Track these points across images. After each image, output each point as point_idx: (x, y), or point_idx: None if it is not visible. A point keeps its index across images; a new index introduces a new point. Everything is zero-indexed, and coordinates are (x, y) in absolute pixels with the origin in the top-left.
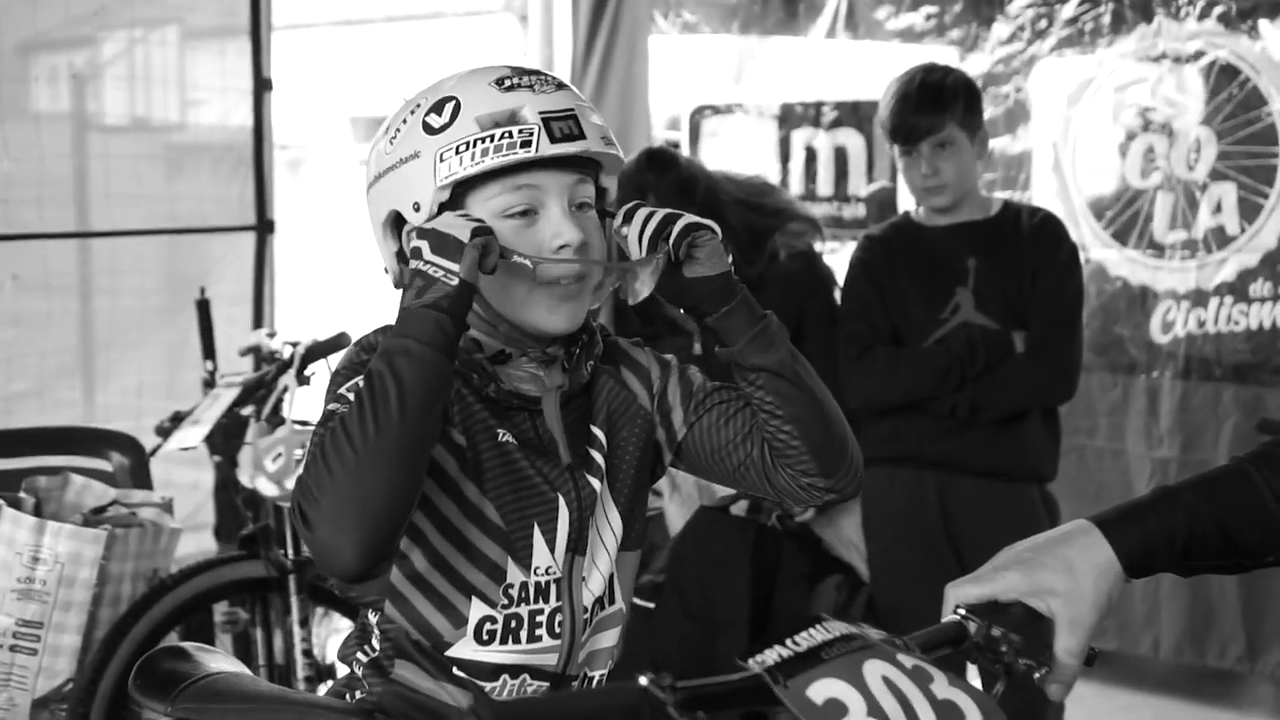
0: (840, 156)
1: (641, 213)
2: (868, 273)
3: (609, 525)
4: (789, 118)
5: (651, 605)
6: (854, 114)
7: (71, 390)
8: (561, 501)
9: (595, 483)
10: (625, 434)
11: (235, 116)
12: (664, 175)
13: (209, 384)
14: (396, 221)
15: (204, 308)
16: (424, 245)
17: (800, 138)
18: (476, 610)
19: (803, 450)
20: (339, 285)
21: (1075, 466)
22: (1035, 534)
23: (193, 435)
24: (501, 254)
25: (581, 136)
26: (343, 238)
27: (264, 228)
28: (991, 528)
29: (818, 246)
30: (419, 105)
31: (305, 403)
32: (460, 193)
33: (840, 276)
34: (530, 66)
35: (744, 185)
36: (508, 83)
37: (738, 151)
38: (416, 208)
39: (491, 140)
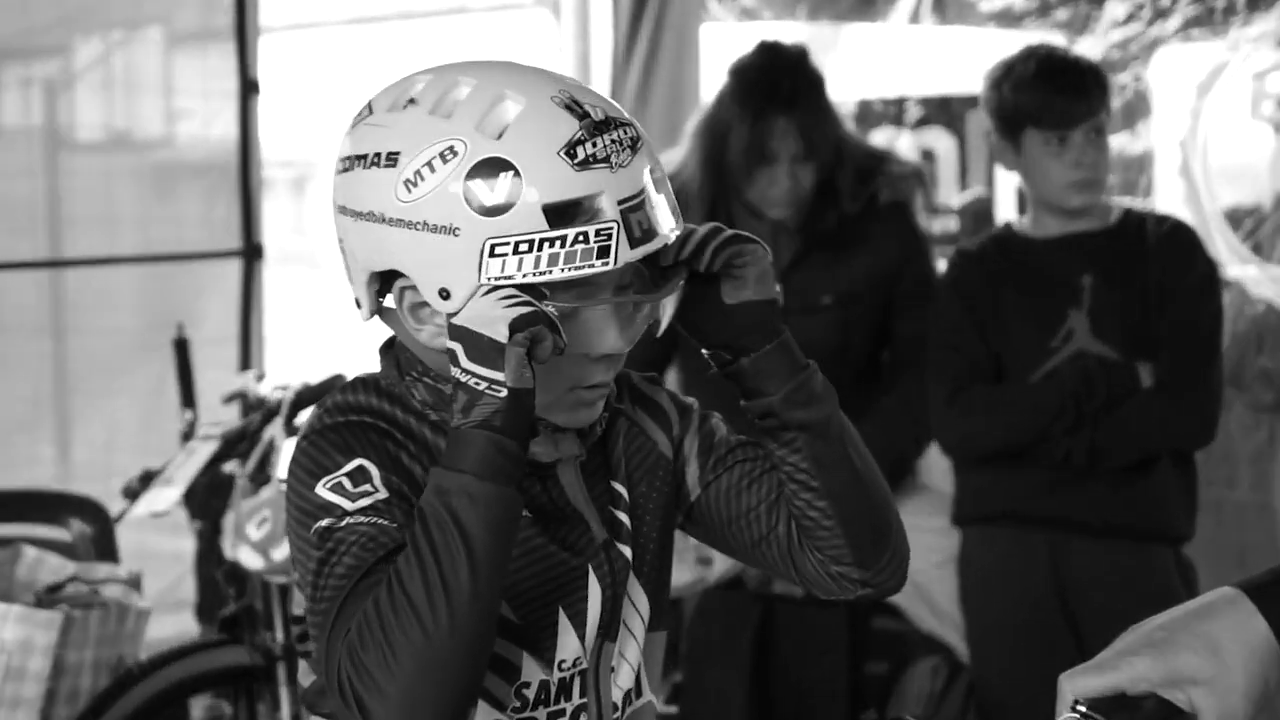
0: (928, 160)
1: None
2: (962, 295)
3: (636, 601)
4: (867, 116)
5: (674, 711)
6: (943, 111)
7: (41, 445)
8: (592, 575)
9: (627, 550)
10: (645, 489)
11: (218, 125)
12: (795, 73)
13: (188, 436)
14: (391, 272)
15: (182, 348)
16: (457, 349)
17: (881, 139)
18: (483, 718)
19: (837, 533)
20: (350, 324)
21: (1213, 524)
22: (1169, 606)
23: (165, 498)
24: (555, 343)
25: (656, 228)
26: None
27: (251, 253)
28: (1116, 600)
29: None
30: (453, 148)
31: None
32: None
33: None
34: (582, 86)
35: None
36: (579, 152)
37: None
38: (445, 295)
39: (563, 245)
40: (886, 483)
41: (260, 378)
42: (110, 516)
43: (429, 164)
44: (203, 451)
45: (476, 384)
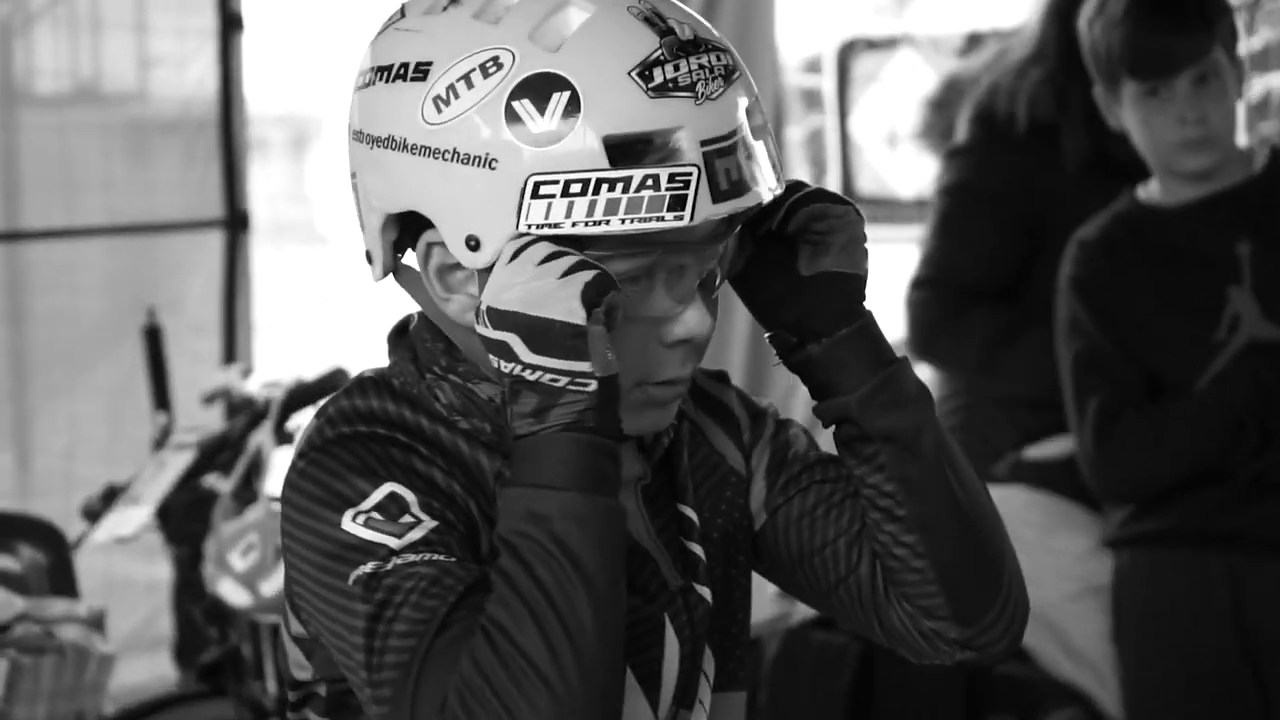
0: None
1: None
2: (1091, 300)
3: (704, 660)
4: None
5: None
6: None
7: None
8: (669, 627)
9: (706, 593)
10: (710, 513)
11: (195, 69)
12: None
13: (160, 443)
14: (410, 215)
15: (154, 337)
16: (512, 340)
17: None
18: None
19: (929, 577)
20: (359, 311)
21: None
22: None
23: (131, 520)
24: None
25: (751, 181)
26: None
27: (235, 223)
28: None
29: None
30: (498, 58)
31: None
32: None
33: None
34: (666, 3)
35: None
36: (656, 75)
37: (905, 99)
38: (473, 244)
39: (626, 188)
40: (996, 513)
41: (246, 373)
42: (67, 542)
43: (466, 78)
44: (177, 463)
45: (554, 380)
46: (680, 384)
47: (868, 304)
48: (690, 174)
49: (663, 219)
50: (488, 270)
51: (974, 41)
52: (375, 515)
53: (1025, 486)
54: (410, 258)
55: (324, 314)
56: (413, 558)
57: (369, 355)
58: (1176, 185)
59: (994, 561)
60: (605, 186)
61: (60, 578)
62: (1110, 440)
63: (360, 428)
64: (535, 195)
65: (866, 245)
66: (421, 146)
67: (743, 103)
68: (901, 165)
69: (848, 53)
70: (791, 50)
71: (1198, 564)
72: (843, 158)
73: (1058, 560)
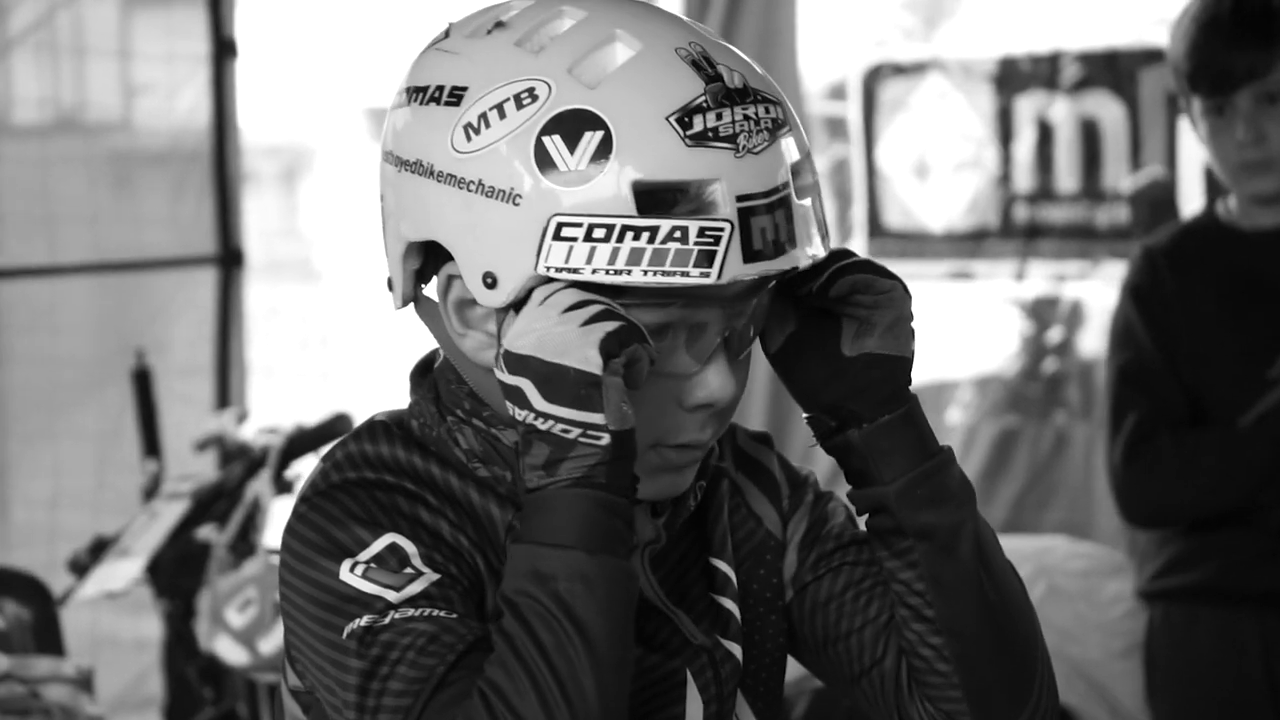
0: (1090, 134)
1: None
2: (1147, 310)
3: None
4: (1011, 78)
5: None
6: (1109, 70)
7: None
8: (691, 684)
9: (736, 650)
10: (747, 575)
11: (185, 98)
12: None
13: (151, 493)
14: (433, 245)
15: (143, 380)
16: (525, 386)
17: (1029, 107)
18: None
19: (952, 682)
20: (359, 350)
21: None
22: None
23: (121, 574)
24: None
25: (790, 241)
26: (362, 278)
27: (229, 260)
28: None
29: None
30: (534, 90)
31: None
32: None
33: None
34: (728, 47)
35: None
36: (696, 123)
37: (934, 128)
38: (490, 281)
39: (652, 238)
40: (1033, 618)
41: (242, 418)
42: (53, 597)
43: (499, 107)
44: (168, 514)
45: (565, 431)
46: (698, 449)
47: (912, 389)
48: (722, 230)
49: (688, 274)
50: (504, 310)
51: (1007, 66)
52: (374, 566)
53: (1067, 535)
54: (432, 288)
55: (321, 356)
56: (411, 612)
57: (369, 399)
58: (1254, 208)
59: (1024, 669)
60: (630, 234)
61: (45, 635)
62: (1140, 459)
63: (367, 474)
64: (557, 237)
65: (913, 326)
66: (447, 175)
67: (789, 159)
68: (931, 197)
69: (874, 78)
70: (814, 76)
71: (1230, 624)
72: (869, 189)
73: (1102, 614)
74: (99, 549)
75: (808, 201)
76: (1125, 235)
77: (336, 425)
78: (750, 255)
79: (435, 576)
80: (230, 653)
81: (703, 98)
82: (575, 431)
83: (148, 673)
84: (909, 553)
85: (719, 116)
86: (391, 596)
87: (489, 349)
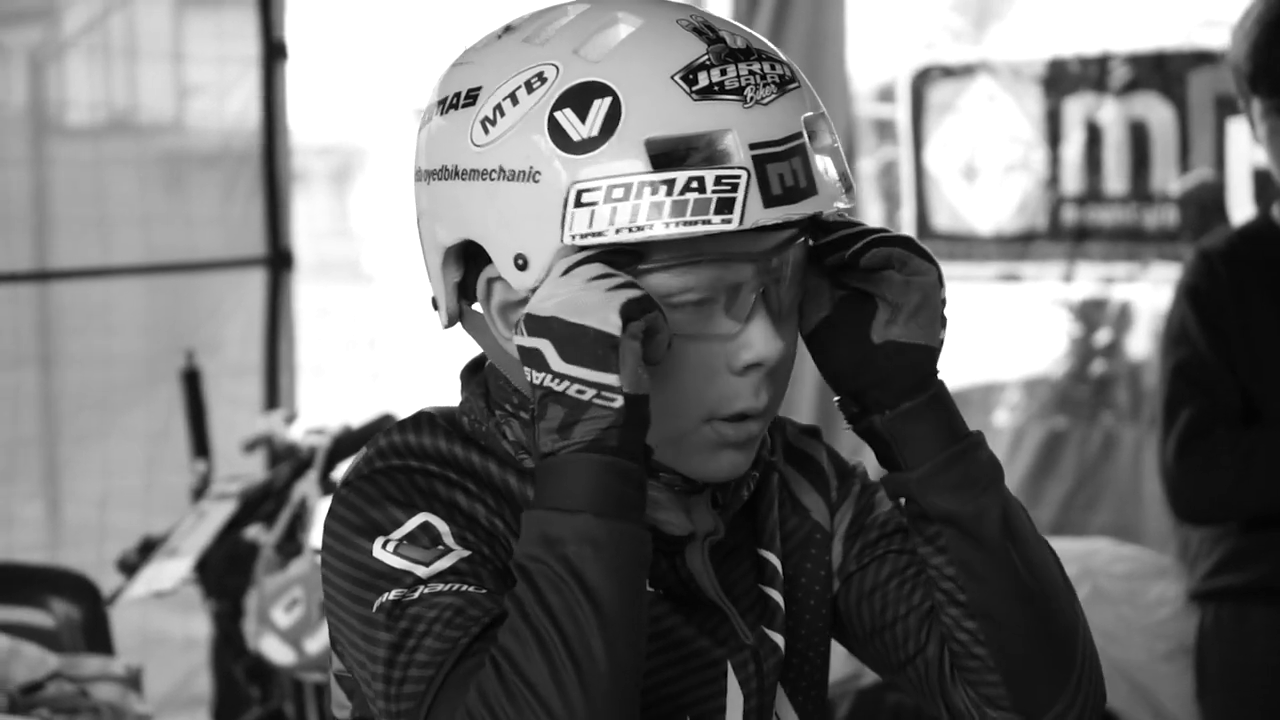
0: (1139, 136)
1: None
2: (1203, 308)
3: (787, 712)
4: (1060, 80)
5: None
6: (1158, 72)
7: (21, 501)
8: (732, 675)
9: (779, 640)
10: (794, 569)
11: (236, 100)
12: None
13: (199, 493)
14: (469, 250)
15: (192, 381)
16: (544, 347)
17: (1077, 110)
18: None
19: (989, 665)
20: (408, 352)
21: None
22: None
23: (170, 574)
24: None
25: (810, 189)
26: (412, 280)
27: (278, 261)
28: None
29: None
30: (542, 73)
31: None
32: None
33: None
34: (731, 21)
35: None
36: (701, 79)
37: (983, 130)
38: (521, 262)
39: (670, 190)
40: (1072, 602)
41: (290, 420)
42: (102, 597)
43: (511, 96)
44: (216, 514)
45: (580, 392)
46: (754, 419)
47: (959, 388)
48: (739, 177)
49: (709, 222)
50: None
51: (1056, 68)
52: (405, 543)
53: (1113, 538)
54: (476, 305)
55: (370, 357)
56: (440, 587)
57: (417, 399)
58: None
59: (1064, 649)
60: (649, 190)
61: (95, 634)
62: (1194, 455)
63: (410, 461)
64: (579, 204)
65: (945, 314)
66: (470, 170)
67: (801, 111)
68: (979, 199)
69: (922, 81)
70: (863, 78)
71: None
72: (917, 191)
73: (1147, 617)
74: (147, 549)
75: (828, 157)
76: (1173, 238)
77: (382, 425)
78: (770, 200)
79: (465, 553)
80: (277, 652)
81: (706, 56)
82: (590, 393)
83: (196, 672)
84: (937, 538)
85: (723, 72)
86: (421, 571)
87: None
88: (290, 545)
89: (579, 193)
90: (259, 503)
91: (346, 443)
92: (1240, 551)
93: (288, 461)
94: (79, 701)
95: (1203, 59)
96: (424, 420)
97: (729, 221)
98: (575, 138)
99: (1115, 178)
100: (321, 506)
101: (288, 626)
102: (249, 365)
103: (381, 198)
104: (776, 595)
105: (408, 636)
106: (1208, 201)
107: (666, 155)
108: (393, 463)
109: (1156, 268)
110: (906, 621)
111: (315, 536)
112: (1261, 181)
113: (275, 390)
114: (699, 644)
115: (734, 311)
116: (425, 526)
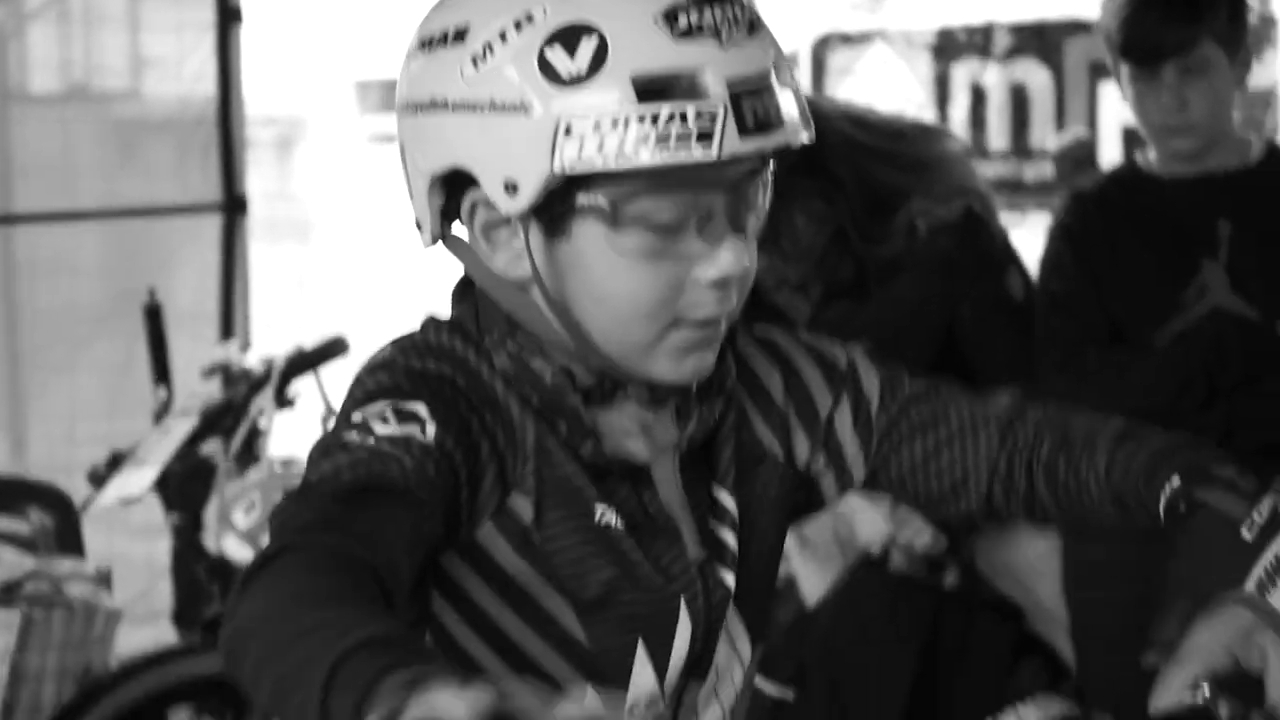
0: (1019, 98)
1: None
2: (1076, 245)
3: (735, 639)
4: (948, 47)
5: (790, 695)
6: (1037, 39)
7: None
8: (684, 609)
9: (728, 577)
10: (747, 498)
11: (192, 64)
12: None
13: (161, 415)
14: (453, 176)
15: (154, 315)
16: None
17: (964, 73)
18: None
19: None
20: (344, 297)
21: None
22: None
23: (137, 481)
24: None
25: (779, 121)
26: (352, 238)
27: (232, 206)
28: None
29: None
30: (530, 14)
31: (289, 433)
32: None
33: (1025, 254)
34: None
35: (872, 125)
36: (681, 20)
37: (878, 93)
38: (511, 188)
39: (654, 123)
40: None
41: (245, 348)
42: (74, 505)
43: (501, 34)
44: (179, 429)
45: None
46: (716, 324)
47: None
48: (716, 110)
49: (690, 152)
50: (528, 217)
51: (945, 37)
52: (387, 411)
53: None
54: (458, 229)
55: (315, 313)
56: (387, 447)
57: (373, 342)
58: (1172, 160)
59: None
60: (636, 122)
61: (68, 539)
62: (1068, 372)
63: (431, 366)
64: (568, 133)
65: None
66: (460, 102)
67: (769, 51)
68: None
69: (823, 48)
70: None
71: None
72: None
73: None
74: (116, 461)
75: (791, 92)
76: (1050, 190)
77: (334, 347)
78: (745, 131)
79: (427, 443)
80: (237, 551)
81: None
82: None
83: (156, 585)
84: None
85: (700, 14)
86: (380, 428)
87: (520, 261)
88: (247, 456)
89: (569, 125)
90: (219, 418)
91: (299, 361)
92: None
93: (244, 380)
94: (54, 598)
95: (1078, 28)
96: (441, 323)
97: (709, 151)
98: (564, 73)
99: (998, 135)
100: (278, 421)
101: (247, 528)
102: (205, 308)
103: (320, 167)
104: (729, 536)
105: (327, 456)
106: (1082, 157)
107: (650, 89)
108: (415, 364)
109: (1035, 217)
110: (948, 488)
111: (271, 447)
112: (1130, 139)
113: (231, 323)
114: (657, 580)
115: (706, 235)
116: (412, 411)
